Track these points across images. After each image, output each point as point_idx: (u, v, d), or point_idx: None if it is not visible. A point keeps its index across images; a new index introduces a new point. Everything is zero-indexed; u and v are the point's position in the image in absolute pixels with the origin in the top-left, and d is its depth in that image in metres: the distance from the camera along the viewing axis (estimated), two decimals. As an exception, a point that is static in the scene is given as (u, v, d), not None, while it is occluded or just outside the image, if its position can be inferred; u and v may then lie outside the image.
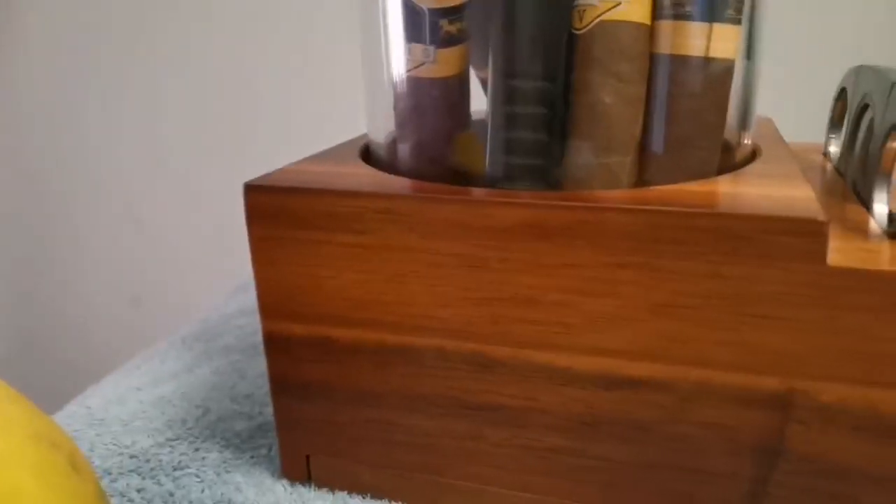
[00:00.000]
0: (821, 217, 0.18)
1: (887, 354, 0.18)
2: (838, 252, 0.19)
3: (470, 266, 0.21)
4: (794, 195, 0.19)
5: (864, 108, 0.25)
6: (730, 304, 0.19)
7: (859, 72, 0.26)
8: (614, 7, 0.21)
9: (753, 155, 0.25)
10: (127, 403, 0.31)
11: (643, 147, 0.23)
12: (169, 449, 0.28)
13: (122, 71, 0.68)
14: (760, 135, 0.27)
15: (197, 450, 0.28)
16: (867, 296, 0.18)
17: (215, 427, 0.29)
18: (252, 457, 0.27)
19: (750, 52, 0.25)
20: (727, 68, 0.23)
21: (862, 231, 0.20)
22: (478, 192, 0.21)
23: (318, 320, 0.23)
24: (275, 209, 0.22)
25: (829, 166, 0.29)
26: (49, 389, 0.36)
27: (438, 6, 0.22)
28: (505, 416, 0.22)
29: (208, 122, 0.67)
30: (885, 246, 0.19)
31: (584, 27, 0.22)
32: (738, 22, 0.22)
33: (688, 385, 0.20)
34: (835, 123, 0.29)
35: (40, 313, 0.79)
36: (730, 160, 0.24)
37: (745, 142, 0.25)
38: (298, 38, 0.62)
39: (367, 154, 0.26)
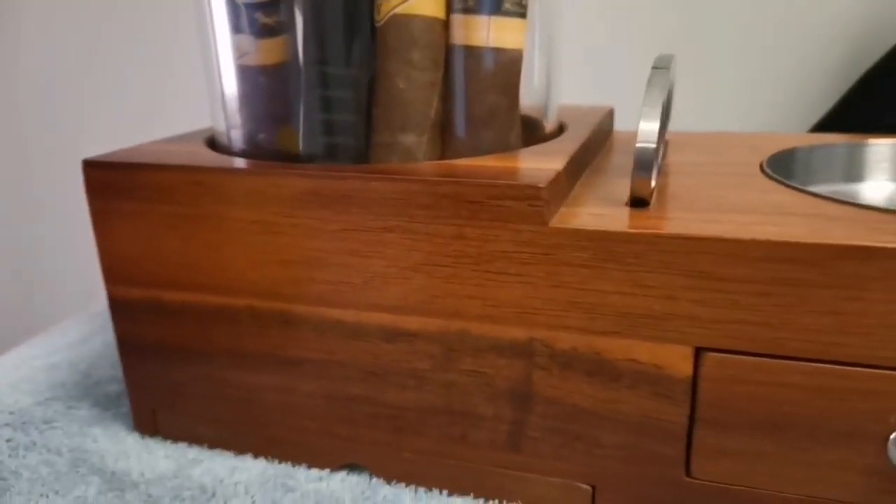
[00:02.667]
0: (540, 184, 0.20)
1: (602, 304, 0.20)
2: (573, 216, 0.21)
3: (269, 232, 0.24)
4: (539, 167, 0.22)
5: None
6: (474, 262, 0.21)
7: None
8: (404, 1, 0.24)
9: (557, 135, 0.27)
10: (20, 370, 0.34)
11: (447, 127, 0.26)
12: (44, 407, 0.30)
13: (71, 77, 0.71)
14: (582, 120, 0.30)
15: (69, 408, 0.30)
16: (580, 252, 0.20)
17: (91, 389, 0.32)
18: (115, 414, 0.30)
19: (549, 45, 0.27)
20: (513, 57, 0.25)
21: (615, 202, 0.23)
22: (269, 165, 0.23)
23: (150, 284, 0.26)
24: (107, 183, 0.25)
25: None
26: None
27: (253, 1, 0.25)
28: (311, 369, 0.25)
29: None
30: (619, 212, 0.21)
31: (382, 19, 0.24)
32: (521, 15, 0.25)
33: (450, 337, 0.22)
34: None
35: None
36: (535, 138, 0.27)
37: (545, 123, 0.27)
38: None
39: (214, 140, 0.29)
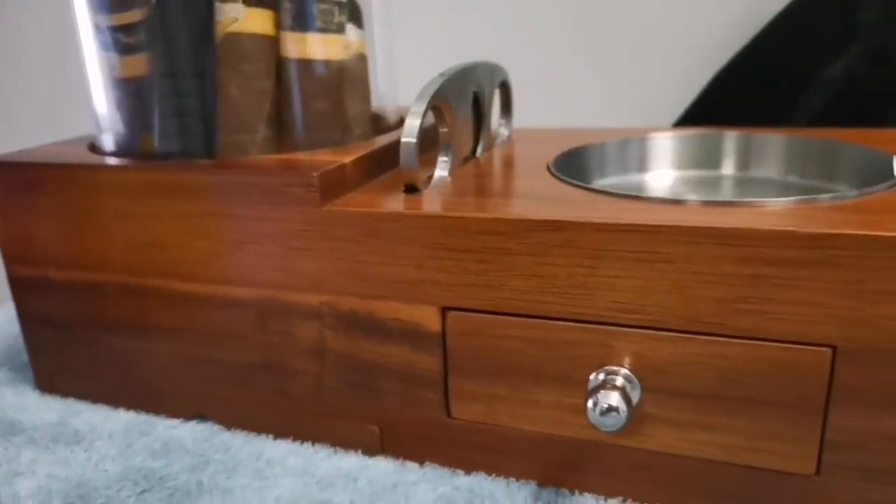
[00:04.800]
0: (314, 174, 0.24)
1: (370, 273, 0.25)
2: (351, 200, 0.25)
3: (123, 218, 0.28)
4: (332, 160, 0.26)
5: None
6: (276, 239, 0.26)
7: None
8: (234, 22, 0.28)
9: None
10: (-41, 342, 0.39)
11: (283, 126, 0.30)
12: (-31, 372, 0.36)
13: None
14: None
15: (-10, 373, 0.35)
16: (349, 230, 0.24)
17: (11, 357, 0.37)
18: (25, 377, 0.35)
19: (385, 55, 0.32)
20: (334, 67, 0.30)
21: (400, 189, 0.27)
22: (120, 163, 0.28)
23: (39, 264, 0.31)
24: (1, 179, 0.30)
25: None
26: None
27: (114, 24, 0.30)
28: (164, 334, 0.29)
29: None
30: (394, 197, 0.25)
31: (220, 37, 0.29)
32: (336, 31, 0.29)
33: (264, 304, 0.27)
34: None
35: None
36: (379, 134, 0.31)
37: (387, 121, 0.32)
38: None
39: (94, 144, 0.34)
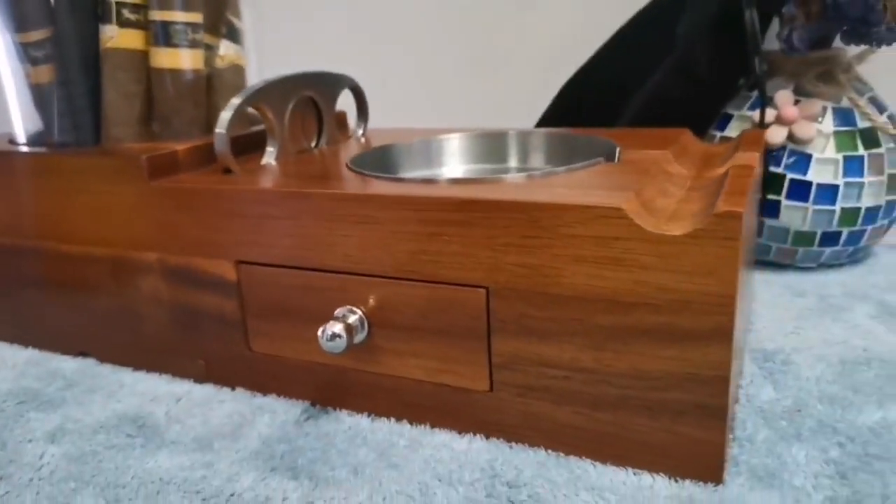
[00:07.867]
0: (144, 157, 0.31)
1: (187, 235, 0.32)
2: (177, 179, 0.32)
3: (30, 194, 0.36)
4: (174, 148, 0.33)
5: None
6: (122, 209, 0.33)
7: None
8: (109, 39, 0.36)
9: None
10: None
11: (161, 122, 0.37)
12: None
13: None
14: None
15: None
16: (171, 201, 0.31)
17: (-40, 311, 0.45)
18: (-34, 325, 0.43)
19: (256, 65, 0.39)
20: (191, 76, 0.37)
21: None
22: (22, 150, 0.36)
23: (-34, 230, 0.39)
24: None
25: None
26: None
27: (23, 42, 0.37)
28: (56, 287, 0.37)
29: None
30: (213, 177, 0.32)
31: (101, 52, 0.36)
32: (191, 47, 0.36)
33: (116, 261, 0.34)
34: (359, 112, 0.42)
35: None
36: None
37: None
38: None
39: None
